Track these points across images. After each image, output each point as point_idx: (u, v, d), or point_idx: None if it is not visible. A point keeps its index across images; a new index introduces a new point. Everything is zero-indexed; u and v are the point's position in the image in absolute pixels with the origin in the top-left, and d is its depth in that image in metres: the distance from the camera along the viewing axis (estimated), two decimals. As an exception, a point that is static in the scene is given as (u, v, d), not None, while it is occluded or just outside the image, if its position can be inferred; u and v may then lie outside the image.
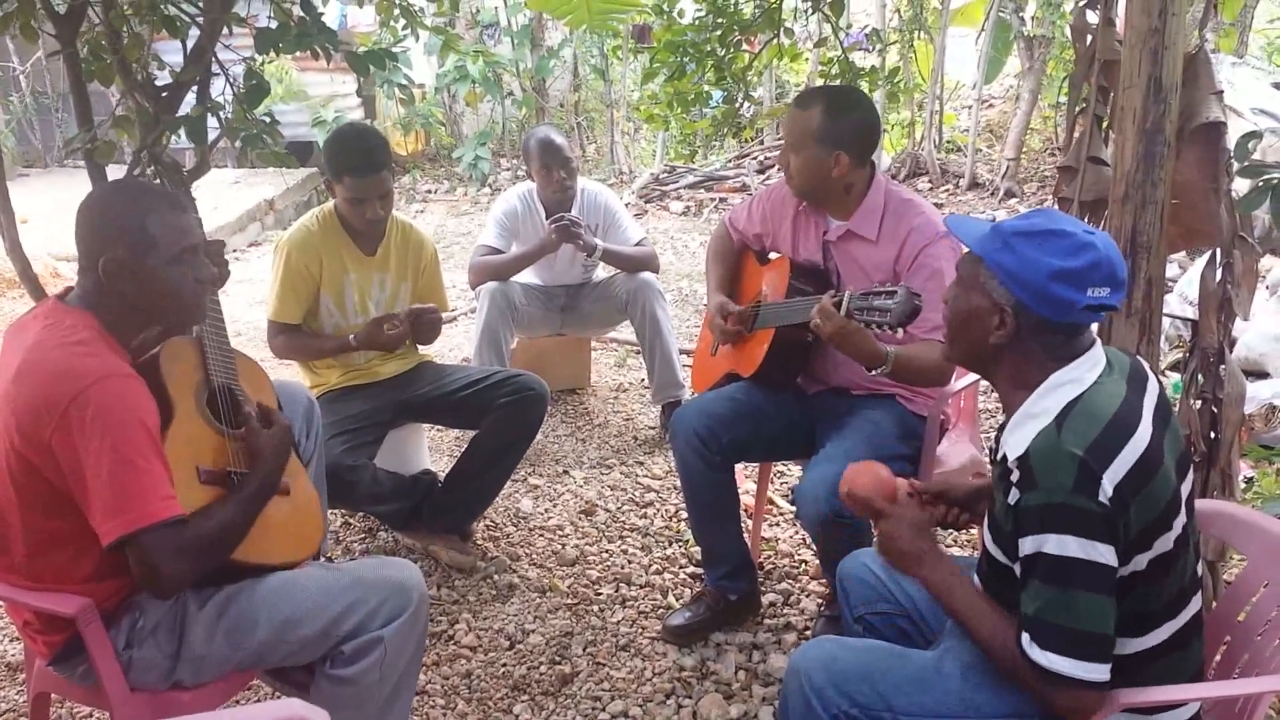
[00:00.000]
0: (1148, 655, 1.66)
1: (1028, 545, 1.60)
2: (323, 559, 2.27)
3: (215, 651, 1.97)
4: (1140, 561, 1.60)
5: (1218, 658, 1.92)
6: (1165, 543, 1.62)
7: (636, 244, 4.24)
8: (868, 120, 2.64)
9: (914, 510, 1.87)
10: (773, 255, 2.98)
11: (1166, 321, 4.05)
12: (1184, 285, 4.74)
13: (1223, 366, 2.51)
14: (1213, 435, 2.52)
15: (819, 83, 4.80)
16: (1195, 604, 1.72)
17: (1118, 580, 1.58)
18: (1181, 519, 1.65)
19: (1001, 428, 1.75)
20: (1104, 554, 1.55)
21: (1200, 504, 1.87)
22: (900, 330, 2.24)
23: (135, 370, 1.93)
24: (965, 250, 1.77)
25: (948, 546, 3.35)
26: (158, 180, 2.41)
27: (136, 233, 1.91)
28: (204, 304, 2.08)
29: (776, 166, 9.00)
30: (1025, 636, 1.60)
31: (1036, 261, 1.63)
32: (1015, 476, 1.63)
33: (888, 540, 1.83)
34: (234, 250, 7.43)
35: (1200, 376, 2.54)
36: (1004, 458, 1.69)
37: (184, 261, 1.97)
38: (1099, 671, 1.57)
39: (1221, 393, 2.50)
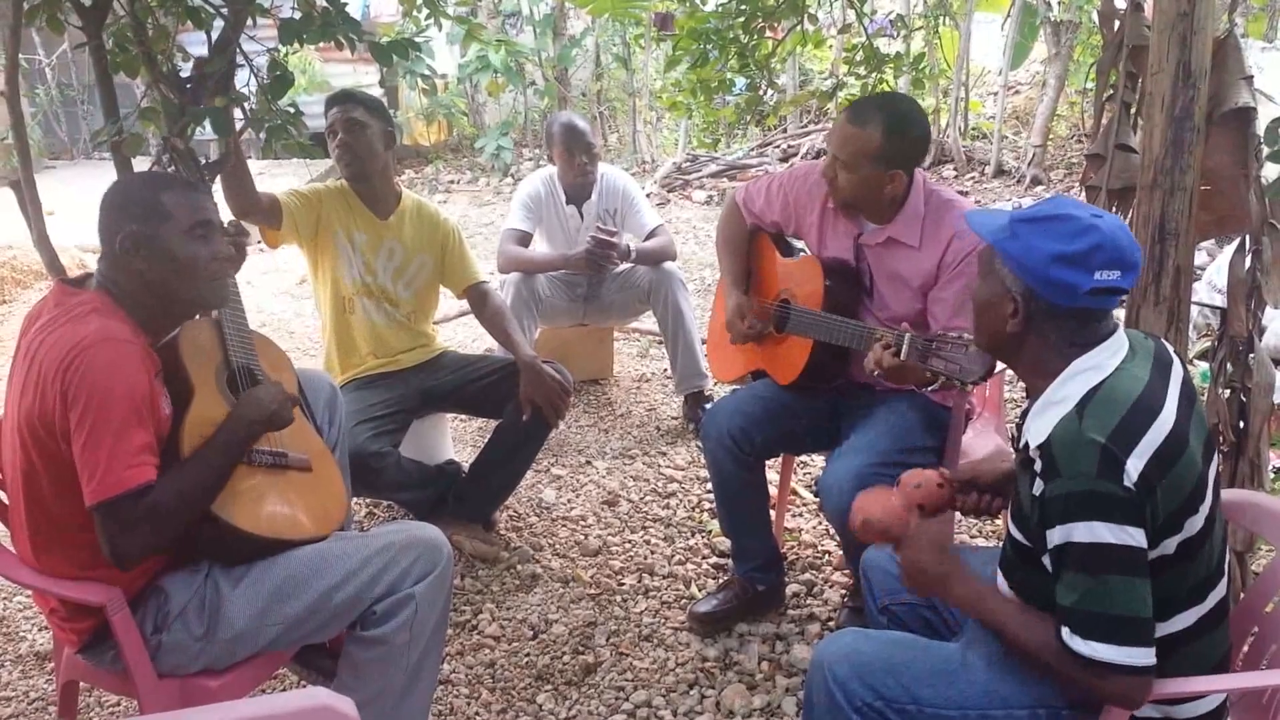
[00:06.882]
0: (1170, 642, 1.65)
1: (1056, 535, 1.58)
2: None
3: (250, 627, 1.98)
4: (1169, 545, 1.59)
5: (1245, 649, 1.90)
6: (1193, 525, 1.60)
7: (652, 230, 4.29)
8: (926, 135, 2.57)
9: (930, 528, 1.86)
10: (796, 243, 2.94)
11: (1195, 310, 4.02)
12: (1213, 273, 4.70)
13: (1251, 355, 2.49)
14: (1241, 424, 2.50)
15: (843, 70, 4.77)
16: (1220, 591, 1.70)
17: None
18: (1208, 502, 1.64)
19: (1024, 414, 1.74)
20: (1135, 537, 1.53)
21: (1228, 494, 1.85)
22: (971, 387, 2.19)
23: (153, 349, 1.96)
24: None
25: (973, 537, 3.34)
26: (173, 169, 2.44)
27: (151, 206, 1.96)
28: (224, 285, 2.11)
29: (800, 154, 8.98)
30: (1065, 629, 1.59)
31: (1038, 247, 1.63)
32: (1038, 465, 1.62)
33: (913, 567, 1.82)
34: (257, 241, 7.45)
35: (1229, 365, 2.52)
36: (1026, 445, 1.68)
37: (198, 236, 1.99)
38: (1144, 656, 1.55)
39: (1250, 381, 2.47)
